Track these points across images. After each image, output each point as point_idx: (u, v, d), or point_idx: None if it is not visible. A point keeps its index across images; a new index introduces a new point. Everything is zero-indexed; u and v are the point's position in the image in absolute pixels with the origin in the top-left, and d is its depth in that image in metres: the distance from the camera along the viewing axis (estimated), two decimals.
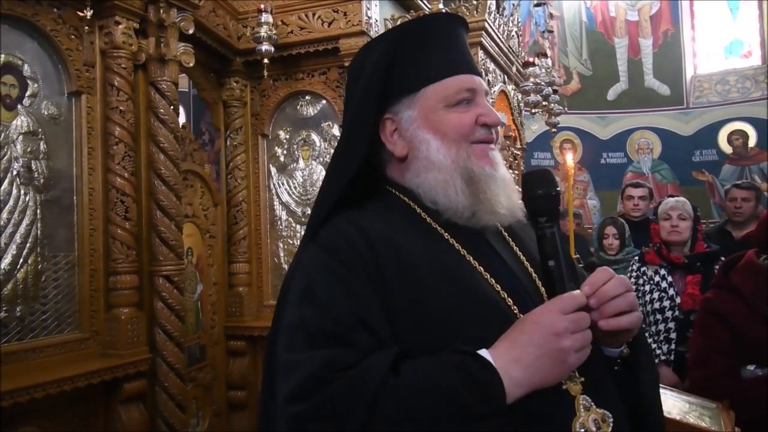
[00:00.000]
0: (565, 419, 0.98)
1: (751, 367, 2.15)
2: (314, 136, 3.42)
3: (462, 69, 1.19)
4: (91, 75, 2.47)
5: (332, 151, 3.03)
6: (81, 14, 2.36)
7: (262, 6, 3.04)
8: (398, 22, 3.27)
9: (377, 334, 1.00)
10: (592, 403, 1.00)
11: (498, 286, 1.08)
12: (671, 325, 3.07)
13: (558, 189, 1.07)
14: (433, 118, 1.16)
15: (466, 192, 1.13)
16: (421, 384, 0.93)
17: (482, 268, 1.10)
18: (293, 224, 3.44)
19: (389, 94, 1.19)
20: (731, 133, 9.99)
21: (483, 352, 0.96)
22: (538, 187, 1.07)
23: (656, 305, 3.13)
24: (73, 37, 2.41)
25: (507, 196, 1.15)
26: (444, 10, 3.41)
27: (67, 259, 2.38)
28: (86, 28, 2.42)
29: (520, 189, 1.11)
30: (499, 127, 1.23)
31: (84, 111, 2.44)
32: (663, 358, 3.05)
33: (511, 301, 1.07)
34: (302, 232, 3.38)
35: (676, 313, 3.06)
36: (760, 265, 2.29)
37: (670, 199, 3.35)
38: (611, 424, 0.99)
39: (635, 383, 1.13)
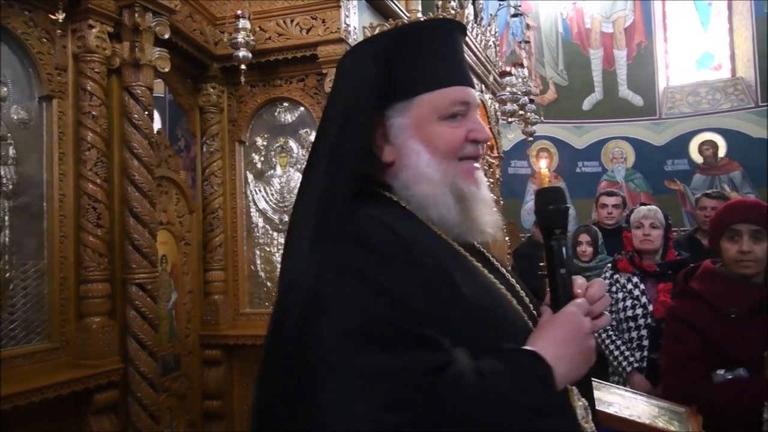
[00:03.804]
0: None
1: (721, 371, 2.19)
2: (292, 143, 3.41)
3: (458, 80, 1.17)
4: (63, 79, 2.43)
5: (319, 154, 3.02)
6: (53, 17, 2.31)
7: (240, 12, 3.02)
8: (377, 30, 3.28)
9: (441, 330, 0.98)
10: (578, 393, 1.08)
11: (502, 287, 1.15)
12: (644, 332, 3.12)
13: (567, 205, 1.15)
14: (425, 128, 1.14)
15: (457, 209, 1.13)
16: (499, 385, 0.93)
17: (491, 275, 1.15)
18: (270, 231, 3.42)
19: (383, 98, 1.14)
20: (702, 144, 10.24)
21: (537, 350, 1.00)
22: (549, 203, 1.13)
23: (629, 313, 3.17)
24: (44, 40, 2.37)
25: (491, 215, 1.18)
26: (423, 18, 3.43)
27: (37, 267, 2.33)
28: (59, 31, 2.38)
29: (535, 204, 1.17)
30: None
31: (55, 116, 2.39)
32: (636, 365, 3.10)
33: (514, 302, 1.14)
34: (280, 240, 3.37)
35: (649, 320, 3.11)
36: (717, 269, 2.36)
37: (642, 207, 3.41)
38: (590, 413, 1.09)
39: (586, 378, 1.19)
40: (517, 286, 1.20)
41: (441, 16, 3.27)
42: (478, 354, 0.96)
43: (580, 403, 1.07)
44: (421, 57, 1.16)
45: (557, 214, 1.13)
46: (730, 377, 2.16)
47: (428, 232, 1.12)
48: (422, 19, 1.54)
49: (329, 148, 1.12)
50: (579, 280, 1.11)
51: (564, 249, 1.11)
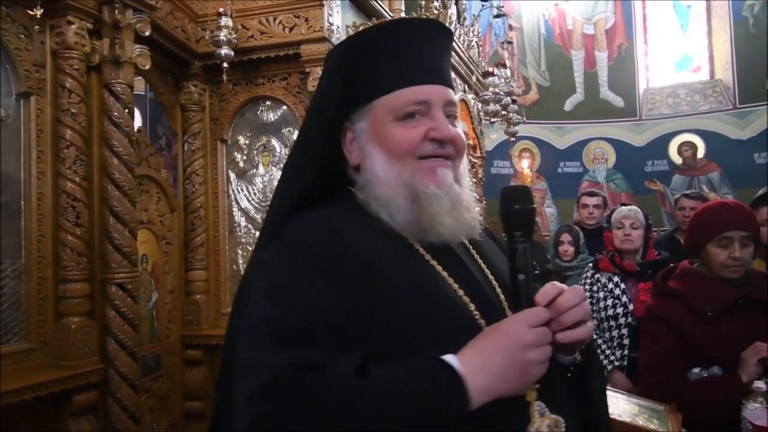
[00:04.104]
0: (520, 424, 1.00)
1: (696, 370, 2.22)
2: (274, 142, 3.39)
3: (418, 80, 1.14)
4: (41, 76, 2.39)
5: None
6: (31, 13, 2.28)
7: (222, 9, 3.00)
8: (360, 29, 3.27)
9: (344, 335, 0.99)
10: (546, 409, 1.01)
11: (461, 291, 1.09)
12: (624, 331, 3.15)
13: (533, 206, 1.09)
14: (380, 131, 1.14)
15: (409, 209, 1.11)
16: (386, 389, 0.93)
17: (446, 274, 1.10)
18: (252, 231, 3.40)
19: (350, 102, 1.17)
20: (681, 145, 10.41)
21: (450, 359, 0.97)
22: (515, 202, 1.07)
23: (610, 312, 3.21)
24: (22, 36, 2.33)
25: (452, 216, 1.13)
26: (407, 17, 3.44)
27: (14, 266, 2.29)
28: (36, 27, 2.34)
29: (500, 203, 1.09)
30: (463, 140, 1.19)
31: (33, 113, 2.35)
32: (616, 363, 3.13)
33: (473, 307, 1.07)
34: None
35: (629, 319, 3.15)
36: (694, 269, 2.40)
37: (623, 207, 3.45)
38: (563, 430, 1.01)
39: (587, 389, 1.16)
40: (498, 288, 1.15)
41: (402, 18, 3.25)
42: (393, 359, 0.96)
43: (546, 421, 1.00)
44: (378, 60, 1.16)
45: (522, 214, 1.07)
46: (705, 375, 2.20)
47: (382, 232, 1.11)
48: (382, 22, 1.54)
49: (293, 151, 1.23)
50: (547, 287, 1.04)
51: (526, 253, 1.05)
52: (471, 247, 1.22)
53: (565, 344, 1.04)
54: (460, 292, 1.08)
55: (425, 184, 1.11)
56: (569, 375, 1.14)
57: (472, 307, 1.07)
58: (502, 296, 1.14)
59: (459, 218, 1.14)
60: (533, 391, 1.01)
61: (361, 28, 3.23)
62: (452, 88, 1.23)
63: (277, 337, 0.98)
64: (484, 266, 1.19)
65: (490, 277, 1.17)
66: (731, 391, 2.03)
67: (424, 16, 3.42)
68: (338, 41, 3.03)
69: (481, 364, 0.96)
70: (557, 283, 1.06)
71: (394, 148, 1.13)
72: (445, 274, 1.10)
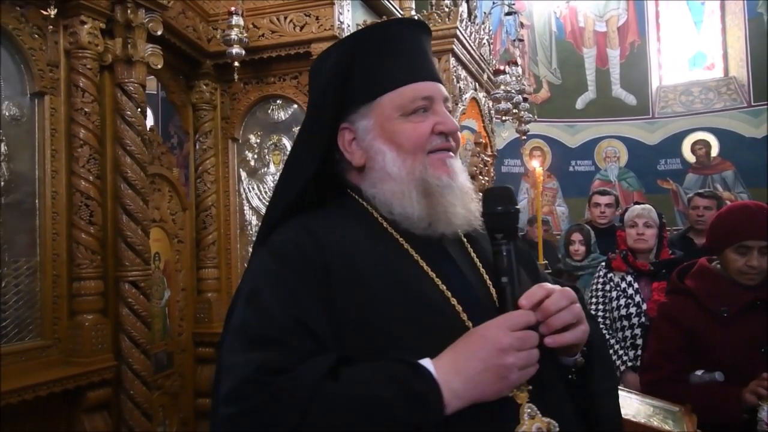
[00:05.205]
0: (508, 426, 0.98)
1: (698, 373, 2.20)
2: (285, 141, 3.40)
3: (418, 76, 1.17)
4: (55, 75, 2.41)
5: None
6: (45, 13, 2.30)
7: (233, 8, 3.01)
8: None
9: (320, 339, 0.99)
10: (538, 412, 0.99)
11: (449, 293, 1.08)
12: (637, 331, 3.12)
13: (517, 207, 1.08)
14: (388, 128, 1.15)
15: (422, 203, 1.12)
16: (356, 393, 0.92)
17: (434, 275, 1.09)
18: None
19: (346, 103, 1.18)
20: (695, 143, 10.30)
21: (425, 362, 0.96)
22: (498, 204, 1.07)
23: (623, 311, 3.18)
24: (36, 36, 2.35)
25: (464, 206, 1.15)
26: (416, 17, 3.43)
27: (29, 264, 2.31)
28: (50, 27, 2.36)
29: (481, 203, 1.11)
30: (459, 134, 1.22)
31: (47, 112, 2.38)
32: (629, 364, 3.10)
33: (460, 308, 1.06)
34: None
35: (642, 319, 3.12)
36: (712, 269, 2.37)
37: (637, 206, 3.41)
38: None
39: (590, 392, 1.13)
40: (492, 288, 1.12)
41: (395, 18, 3.26)
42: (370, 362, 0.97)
43: (536, 423, 0.98)
44: (380, 58, 1.18)
45: (505, 216, 1.06)
46: (707, 379, 2.17)
47: (372, 233, 1.13)
48: (378, 23, 1.56)
49: (289, 156, 1.24)
50: (534, 290, 1.01)
51: (510, 255, 1.03)
52: (469, 245, 1.21)
53: (556, 347, 1.02)
54: (448, 293, 1.08)
55: (437, 177, 1.13)
56: (570, 377, 1.13)
57: (459, 308, 1.06)
58: (495, 296, 1.11)
59: (467, 207, 1.16)
60: (524, 393, 1.00)
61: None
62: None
63: (252, 340, 1.00)
64: (479, 264, 1.18)
65: (485, 276, 1.15)
66: (728, 404, 2.01)
67: (435, 14, 3.41)
68: None
69: (456, 369, 0.95)
70: (546, 285, 1.04)
71: (406, 143, 1.14)
72: (433, 275, 1.09)
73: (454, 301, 1.07)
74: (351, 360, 0.97)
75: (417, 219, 1.12)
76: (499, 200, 1.08)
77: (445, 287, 1.08)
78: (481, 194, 1.13)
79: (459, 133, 1.22)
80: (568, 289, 1.05)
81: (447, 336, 1.00)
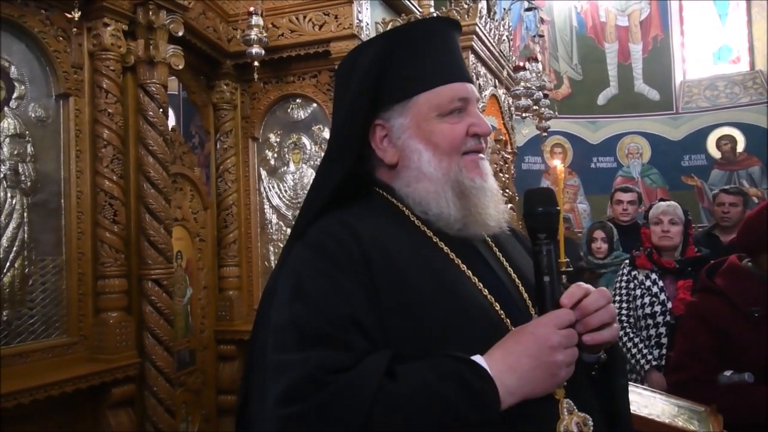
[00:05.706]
0: (549, 422, 1.00)
1: (727, 373, 2.15)
2: (305, 140, 3.41)
3: (455, 77, 1.17)
4: (79, 77, 2.45)
5: (323, 154, 3.05)
6: (69, 16, 2.33)
7: (253, 8, 3.03)
8: (389, 26, 3.27)
9: (370, 335, 0.99)
10: (575, 407, 1.02)
11: (486, 291, 1.09)
12: (662, 330, 3.07)
13: (558, 208, 1.10)
14: (425, 127, 1.15)
15: (457, 204, 1.12)
16: (417, 391, 0.93)
17: (470, 273, 1.10)
18: (284, 228, 3.43)
19: (380, 100, 1.17)
20: (720, 138, 10.08)
21: (478, 359, 0.97)
22: (539, 205, 1.08)
23: (647, 310, 3.13)
24: (60, 38, 2.39)
25: (495, 208, 1.16)
26: (435, 14, 3.42)
27: (55, 262, 2.35)
28: (74, 29, 2.40)
29: (523, 204, 1.12)
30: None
31: (72, 113, 2.42)
32: (654, 363, 3.05)
33: (498, 307, 1.08)
34: None
35: (667, 318, 3.07)
36: (743, 267, 2.30)
37: (662, 203, 3.35)
38: (591, 427, 1.02)
39: (611, 388, 1.16)
40: (522, 286, 1.15)
41: (434, 15, 3.25)
42: (421, 359, 0.97)
43: (575, 418, 1.01)
44: (416, 57, 1.17)
45: (546, 216, 1.08)
46: (736, 379, 2.12)
47: (406, 231, 1.13)
48: (415, 20, 1.57)
49: (326, 154, 1.25)
50: (573, 289, 1.04)
51: (550, 255, 1.05)
52: (494, 244, 1.22)
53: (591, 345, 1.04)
54: (485, 292, 1.09)
55: (471, 178, 1.14)
56: (593, 373, 1.14)
57: (497, 306, 1.08)
58: (525, 296, 1.14)
59: (498, 209, 1.17)
60: (561, 389, 1.02)
61: (390, 25, 3.23)
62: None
63: (306, 337, 0.98)
64: (506, 264, 1.19)
65: (513, 275, 1.17)
66: (758, 405, 1.97)
67: (454, 11, 3.40)
68: (367, 38, 3.03)
69: (509, 365, 0.96)
70: (583, 284, 1.06)
71: (442, 144, 1.14)
72: (469, 273, 1.10)
73: (491, 299, 1.08)
74: (400, 357, 0.97)
75: (453, 219, 1.12)
76: (540, 201, 1.09)
77: (482, 285, 1.09)
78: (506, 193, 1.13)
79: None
80: (604, 289, 1.07)
81: (490, 335, 1.01)
